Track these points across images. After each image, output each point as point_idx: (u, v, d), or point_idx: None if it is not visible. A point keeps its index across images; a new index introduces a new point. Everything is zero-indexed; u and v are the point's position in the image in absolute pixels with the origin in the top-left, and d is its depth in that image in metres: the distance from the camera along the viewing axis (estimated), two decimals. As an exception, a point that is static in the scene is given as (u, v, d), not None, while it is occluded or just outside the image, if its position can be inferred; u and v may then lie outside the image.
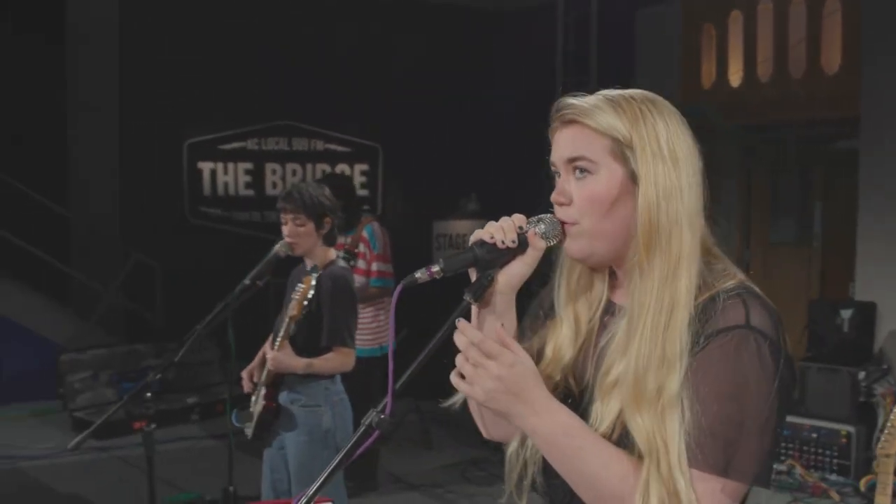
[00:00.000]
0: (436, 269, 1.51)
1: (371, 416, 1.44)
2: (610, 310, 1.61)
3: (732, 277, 1.49)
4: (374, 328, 5.79)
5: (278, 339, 3.71)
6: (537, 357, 1.62)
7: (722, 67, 7.88)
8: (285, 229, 3.86)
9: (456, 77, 10.23)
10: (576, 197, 1.52)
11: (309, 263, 3.94)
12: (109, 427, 6.61)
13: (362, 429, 1.43)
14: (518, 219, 1.57)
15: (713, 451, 1.36)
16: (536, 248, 1.56)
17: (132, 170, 9.17)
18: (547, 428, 1.44)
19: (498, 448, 5.74)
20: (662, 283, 1.45)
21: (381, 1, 9.81)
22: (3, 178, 8.26)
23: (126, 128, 9.16)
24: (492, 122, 10.25)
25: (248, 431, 3.96)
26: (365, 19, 9.85)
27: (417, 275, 1.51)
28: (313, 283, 3.66)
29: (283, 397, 3.85)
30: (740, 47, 7.69)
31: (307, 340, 3.80)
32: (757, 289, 1.48)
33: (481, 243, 1.54)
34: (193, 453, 6.67)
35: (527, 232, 1.55)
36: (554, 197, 1.57)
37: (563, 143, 1.55)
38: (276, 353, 3.68)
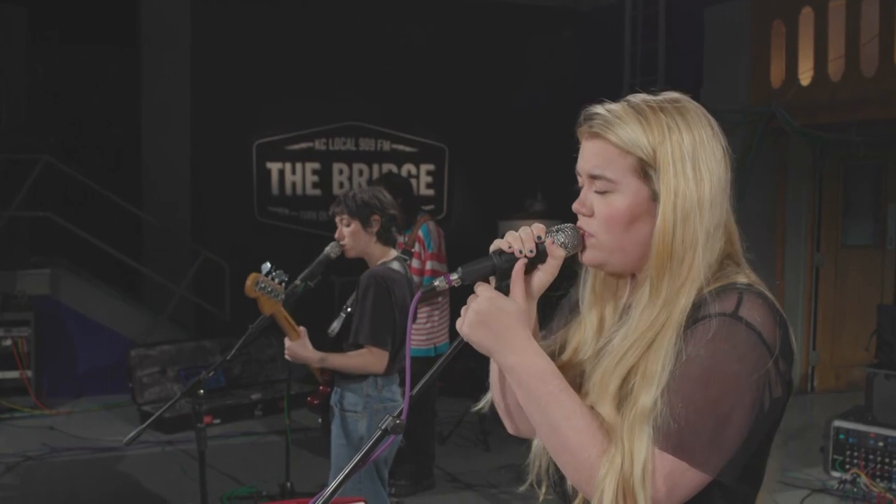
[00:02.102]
0: (454, 277, 1.53)
1: (387, 421, 1.46)
2: (628, 312, 1.61)
3: (743, 279, 1.48)
4: (427, 328, 5.82)
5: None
6: (558, 353, 1.64)
7: (792, 66, 7.71)
8: (337, 232, 3.92)
9: (523, 77, 10.22)
10: (596, 211, 1.53)
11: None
12: (177, 421, 6.81)
13: (379, 433, 1.45)
14: (537, 228, 1.58)
15: (669, 429, 1.35)
16: (555, 257, 1.56)
17: (203, 171, 9.39)
18: (523, 368, 1.46)
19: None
20: (665, 304, 1.45)
21: (449, 3, 9.85)
22: (81, 181, 8.53)
23: (197, 130, 9.38)
24: (558, 122, 10.22)
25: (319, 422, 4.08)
26: (432, 20, 9.91)
27: (436, 283, 1.53)
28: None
29: (332, 397, 3.90)
30: (811, 45, 7.52)
31: (347, 338, 3.85)
32: (767, 292, 1.46)
33: (500, 252, 1.55)
34: (256, 448, 6.80)
35: (546, 241, 1.56)
36: (575, 207, 1.58)
37: (587, 157, 1.54)
38: (290, 343, 3.74)
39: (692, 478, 1.36)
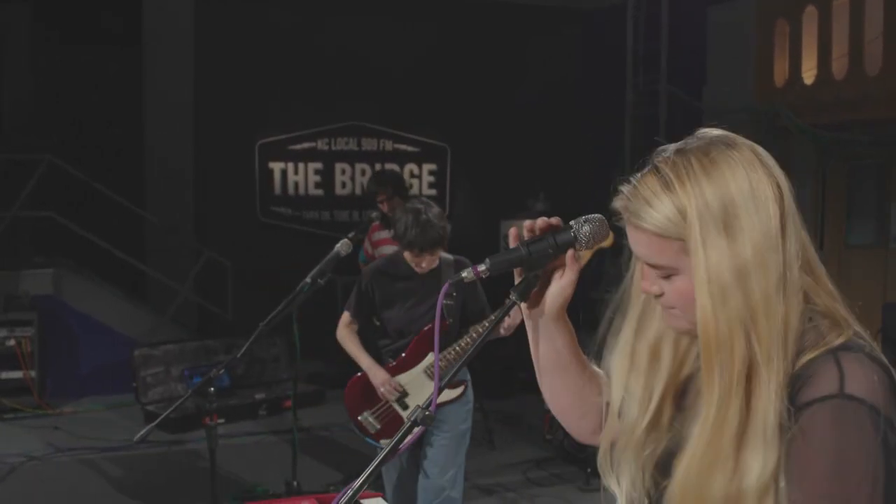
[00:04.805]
0: (482, 268, 1.53)
1: (416, 413, 1.46)
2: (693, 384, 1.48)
3: (839, 335, 1.31)
4: None
5: None
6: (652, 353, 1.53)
7: (795, 65, 7.73)
8: (424, 262, 3.94)
9: (524, 76, 10.23)
10: (667, 293, 1.41)
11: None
12: (182, 421, 6.79)
13: (408, 424, 1.45)
14: (556, 220, 1.55)
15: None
16: (573, 269, 1.54)
17: (205, 171, 9.39)
18: None
19: (560, 448, 5.76)
20: (726, 398, 1.31)
21: (451, 3, 9.85)
22: (85, 181, 8.52)
23: (200, 130, 9.38)
24: (560, 121, 10.21)
25: None
26: (435, 20, 9.91)
27: (464, 274, 1.53)
28: None
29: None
30: (814, 44, 7.53)
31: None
32: (866, 341, 1.32)
33: (529, 242, 1.54)
34: (260, 448, 6.79)
35: (573, 230, 1.55)
36: (644, 288, 1.46)
37: (637, 247, 1.43)
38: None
39: None
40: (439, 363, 3.87)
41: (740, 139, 1.38)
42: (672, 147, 1.41)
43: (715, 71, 8.63)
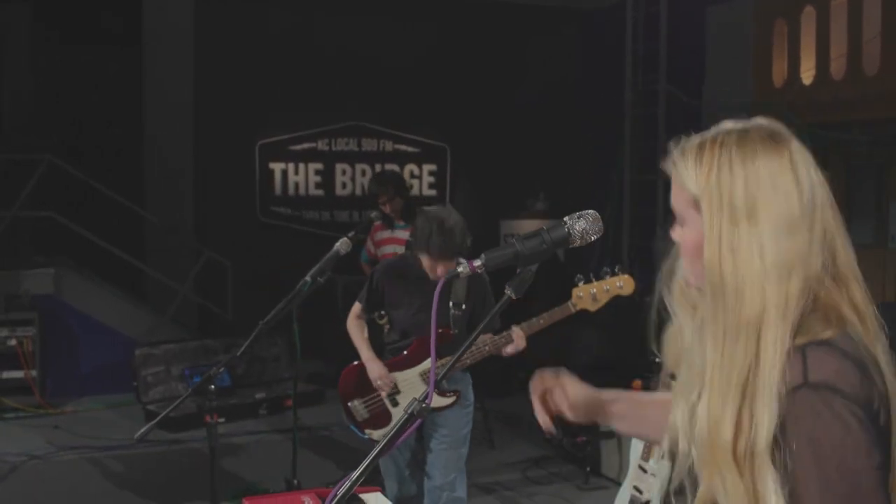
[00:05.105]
0: (478, 263, 1.55)
1: (413, 405, 1.48)
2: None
3: (825, 330, 1.39)
4: None
5: None
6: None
7: (794, 65, 7.74)
8: (440, 270, 3.96)
9: (524, 77, 10.24)
10: (680, 240, 1.54)
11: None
12: (181, 420, 6.80)
13: (405, 416, 1.47)
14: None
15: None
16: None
17: (205, 171, 9.40)
18: None
19: (560, 447, 5.75)
20: (729, 342, 1.40)
21: (451, 3, 9.87)
22: (84, 180, 8.55)
23: (200, 130, 9.39)
24: (559, 121, 10.23)
25: None
26: (434, 21, 9.93)
27: (460, 269, 1.55)
28: None
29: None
30: (813, 44, 7.54)
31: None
32: (854, 342, 1.38)
33: (523, 238, 1.57)
34: (260, 447, 6.80)
35: (567, 226, 1.57)
36: (671, 233, 1.58)
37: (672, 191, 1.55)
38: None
39: None
40: (438, 370, 3.92)
41: (786, 135, 1.46)
42: (725, 124, 1.50)
43: (714, 71, 8.65)
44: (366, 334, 4.31)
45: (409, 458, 4.24)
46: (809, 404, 1.32)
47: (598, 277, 3.86)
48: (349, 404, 4.28)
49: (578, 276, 3.87)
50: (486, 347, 3.90)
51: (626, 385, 5.98)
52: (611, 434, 5.82)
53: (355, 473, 1.45)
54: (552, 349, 8.30)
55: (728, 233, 1.40)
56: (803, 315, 1.39)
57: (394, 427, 1.46)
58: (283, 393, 7.79)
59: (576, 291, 3.88)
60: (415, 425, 1.48)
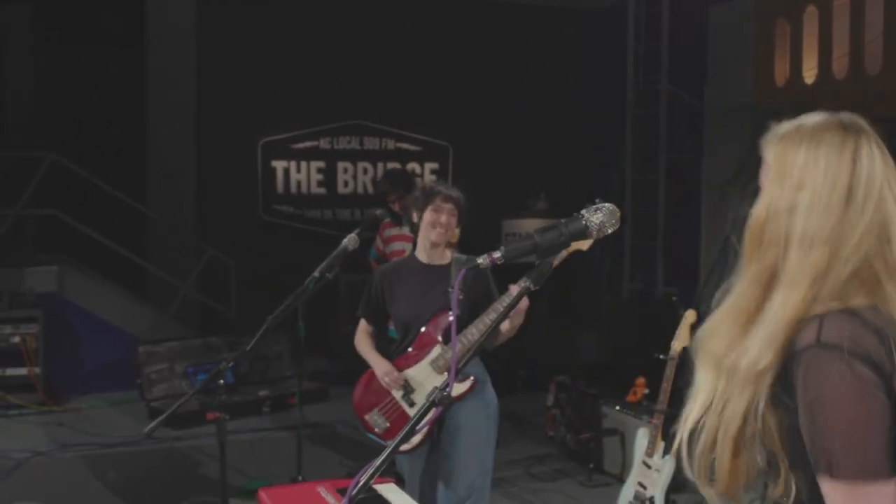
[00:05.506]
0: (497, 255, 1.58)
1: (434, 393, 1.50)
2: None
3: (855, 298, 1.50)
4: None
5: None
6: None
7: (796, 65, 7.75)
8: (443, 218, 3.98)
9: (526, 76, 10.27)
10: None
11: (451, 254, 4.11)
12: (184, 417, 6.82)
13: (427, 404, 1.49)
14: None
15: (816, 458, 1.44)
16: None
17: (208, 169, 9.43)
18: None
19: (563, 445, 5.74)
20: (751, 285, 1.57)
21: (451, 2, 9.90)
22: (87, 178, 8.57)
23: (202, 128, 9.42)
24: (561, 121, 10.26)
25: None
26: (436, 20, 9.96)
27: (480, 260, 1.58)
28: None
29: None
30: (815, 44, 7.55)
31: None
32: (876, 314, 1.48)
33: (542, 231, 1.59)
34: (264, 444, 6.82)
35: (584, 219, 1.60)
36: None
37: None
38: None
39: (866, 491, 1.42)
40: (447, 356, 3.90)
41: (859, 129, 1.62)
42: (813, 115, 1.68)
43: (715, 70, 8.67)
44: (373, 343, 4.17)
45: (427, 467, 4.06)
46: (816, 360, 1.44)
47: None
48: (366, 417, 4.10)
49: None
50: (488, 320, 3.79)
51: (629, 384, 6.02)
52: (614, 431, 5.85)
53: (377, 461, 1.47)
54: (554, 349, 8.40)
55: (776, 197, 1.58)
56: (836, 287, 1.50)
57: (415, 416, 1.48)
58: (286, 390, 7.82)
59: None
60: (435, 413, 1.50)
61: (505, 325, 3.65)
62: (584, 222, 1.58)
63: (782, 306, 1.52)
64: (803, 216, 1.54)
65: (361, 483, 1.43)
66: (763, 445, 1.54)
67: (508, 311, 1.69)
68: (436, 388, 1.51)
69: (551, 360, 7.68)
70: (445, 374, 3.87)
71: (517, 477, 6.05)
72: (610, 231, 1.61)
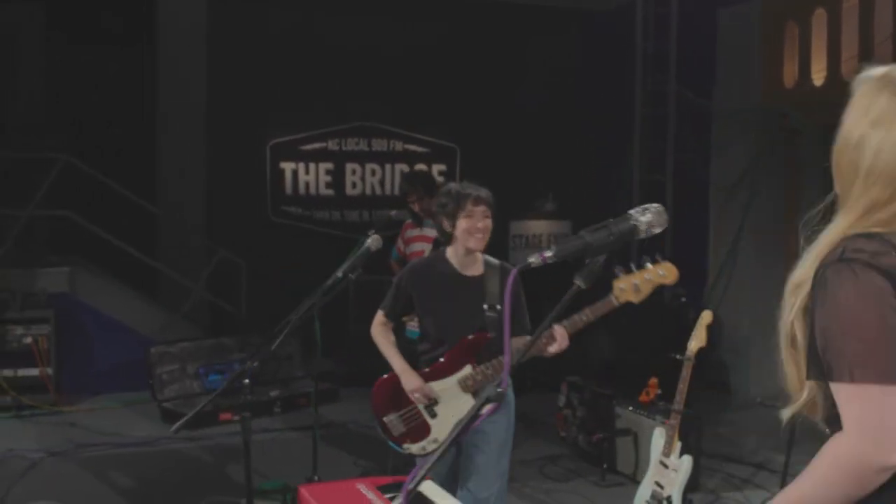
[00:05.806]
0: (548, 254, 1.61)
1: (489, 390, 1.53)
2: None
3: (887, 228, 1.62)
4: None
5: None
6: None
7: (804, 67, 7.78)
8: (481, 223, 3.90)
9: (533, 77, 10.30)
10: None
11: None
12: (197, 418, 6.83)
13: (481, 400, 1.52)
14: None
15: (829, 363, 1.55)
16: None
17: (218, 170, 9.46)
18: None
19: (575, 446, 5.76)
20: (846, 198, 1.70)
21: (460, 3, 9.92)
22: (98, 178, 8.59)
23: (212, 130, 9.45)
24: (567, 123, 10.28)
25: None
26: (444, 21, 9.98)
27: (531, 260, 1.61)
28: None
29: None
30: (824, 46, 7.57)
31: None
32: (889, 237, 1.60)
33: (592, 230, 1.62)
34: (277, 444, 6.84)
35: (633, 219, 1.63)
36: None
37: None
38: None
39: (868, 391, 1.52)
40: (477, 377, 3.88)
41: None
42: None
43: (724, 72, 8.70)
44: (393, 340, 4.13)
45: (447, 471, 4.05)
46: (835, 271, 1.57)
47: (639, 267, 3.61)
48: (384, 419, 4.08)
49: (618, 267, 3.63)
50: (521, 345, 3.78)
51: (643, 384, 6.04)
52: (627, 431, 5.87)
53: (434, 457, 1.50)
54: (566, 350, 8.41)
55: (851, 128, 1.72)
56: (884, 220, 1.63)
57: (469, 411, 1.51)
58: (297, 391, 7.84)
59: (617, 283, 3.62)
60: (490, 409, 1.53)
61: (553, 347, 3.74)
62: (632, 222, 1.61)
63: (833, 228, 1.65)
64: (872, 152, 1.66)
65: (419, 477, 1.46)
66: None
67: (557, 316, 1.70)
68: (489, 384, 1.54)
69: (560, 361, 7.69)
70: (471, 393, 3.91)
71: (530, 477, 6.08)
72: (658, 231, 1.64)
